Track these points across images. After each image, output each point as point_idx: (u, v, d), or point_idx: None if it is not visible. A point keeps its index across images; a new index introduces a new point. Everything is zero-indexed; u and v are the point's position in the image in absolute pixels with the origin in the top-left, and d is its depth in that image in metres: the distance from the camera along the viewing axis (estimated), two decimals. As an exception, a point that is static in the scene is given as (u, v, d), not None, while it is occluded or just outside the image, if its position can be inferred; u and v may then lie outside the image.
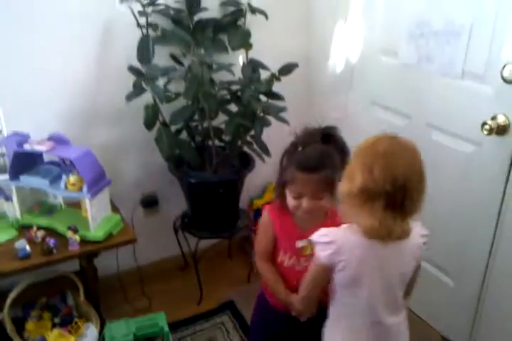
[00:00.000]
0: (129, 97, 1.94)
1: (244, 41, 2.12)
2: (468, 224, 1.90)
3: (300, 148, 1.40)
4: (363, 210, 1.17)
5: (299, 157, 1.38)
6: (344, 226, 1.26)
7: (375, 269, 1.25)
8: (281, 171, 1.43)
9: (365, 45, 2.21)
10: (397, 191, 1.13)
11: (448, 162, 1.92)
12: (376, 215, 1.16)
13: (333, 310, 1.37)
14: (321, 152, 1.37)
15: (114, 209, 2.06)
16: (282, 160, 1.43)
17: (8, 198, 1.94)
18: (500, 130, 1.66)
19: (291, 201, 1.40)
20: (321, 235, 1.25)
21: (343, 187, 1.19)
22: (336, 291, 1.31)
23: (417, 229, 1.30)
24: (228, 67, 1.98)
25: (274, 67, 2.09)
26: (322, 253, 1.24)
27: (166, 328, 1.98)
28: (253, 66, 2.12)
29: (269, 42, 2.29)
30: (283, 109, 2.08)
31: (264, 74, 2.12)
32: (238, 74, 2.11)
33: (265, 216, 1.53)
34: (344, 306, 1.33)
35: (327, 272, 1.27)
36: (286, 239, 1.49)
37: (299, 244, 1.47)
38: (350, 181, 1.17)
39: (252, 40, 2.15)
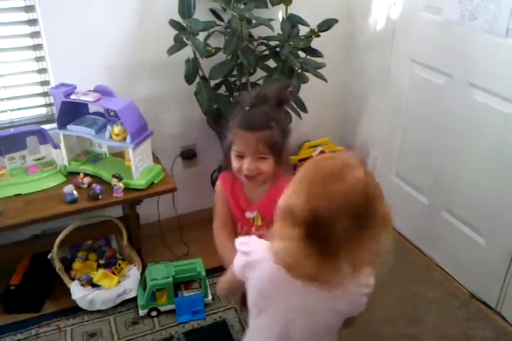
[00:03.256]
0: (170, 51, 1.99)
1: (284, -4, 2.11)
2: (503, 184, 1.90)
3: (246, 108, 1.38)
4: (279, 231, 0.98)
5: (241, 116, 1.37)
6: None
7: (290, 308, 1.09)
8: (227, 132, 1.40)
9: (407, 1, 2.17)
10: (319, 226, 0.92)
11: (487, 121, 1.91)
12: (290, 243, 0.95)
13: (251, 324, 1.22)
14: (264, 112, 1.35)
15: (156, 159, 2.16)
16: (230, 121, 1.40)
17: (56, 146, 2.06)
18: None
19: (234, 163, 1.37)
20: (242, 242, 1.14)
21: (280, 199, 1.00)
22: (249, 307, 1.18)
23: (362, 278, 1.04)
24: (267, 23, 1.99)
25: (314, 22, 2.09)
26: (236, 262, 1.13)
27: (203, 273, 2.10)
28: (292, 21, 2.12)
29: (309, -3, 2.27)
30: (321, 66, 2.09)
31: (303, 30, 2.12)
32: (277, 29, 2.11)
33: (218, 185, 1.51)
34: (258, 327, 1.18)
35: (241, 282, 1.14)
36: (237, 209, 1.49)
37: (248, 215, 1.47)
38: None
39: (292, -6, 2.14)
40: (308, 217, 0.92)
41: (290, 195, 0.97)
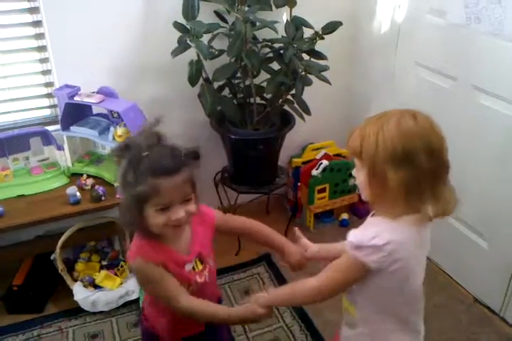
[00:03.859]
0: (174, 53, 1.99)
1: (288, -2, 2.12)
2: (508, 188, 1.89)
3: (145, 154, 1.15)
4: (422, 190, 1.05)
5: (150, 162, 1.14)
6: (381, 220, 1.12)
7: (420, 256, 1.18)
8: (129, 189, 1.15)
9: (412, 4, 2.16)
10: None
11: (492, 125, 1.89)
12: (438, 191, 1.06)
13: (375, 316, 1.21)
14: (171, 150, 1.19)
15: (158, 161, 2.16)
16: (125, 175, 1.15)
17: (59, 147, 2.07)
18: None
19: (157, 219, 1.16)
20: (372, 237, 1.07)
21: (398, 175, 1.03)
22: (380, 294, 1.17)
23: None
24: (272, 25, 1.99)
25: (318, 25, 2.09)
26: (371, 258, 1.07)
27: (205, 275, 2.10)
28: (296, 24, 2.12)
29: (313, 0, 2.27)
30: (325, 68, 2.09)
31: (307, 33, 2.12)
32: (281, 32, 2.11)
33: (142, 267, 1.22)
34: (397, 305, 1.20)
35: (365, 276, 1.12)
36: (176, 271, 1.25)
37: (187, 267, 1.28)
38: (410, 164, 1.03)
39: (297, -3, 2.14)
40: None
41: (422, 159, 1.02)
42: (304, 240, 1.44)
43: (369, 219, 1.18)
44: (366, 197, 1.15)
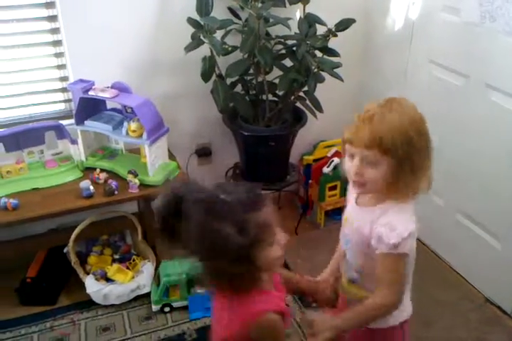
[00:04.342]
0: (188, 49, 2.00)
1: (302, -5, 2.12)
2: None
3: (222, 197, 1.00)
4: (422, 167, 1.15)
5: (239, 202, 1.00)
6: (395, 205, 1.18)
7: None
8: (231, 243, 0.97)
9: (426, 2, 2.15)
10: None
11: (504, 123, 1.88)
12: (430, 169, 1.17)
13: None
14: (232, 184, 1.14)
15: (171, 156, 2.18)
16: (215, 231, 0.97)
17: (73, 141, 2.09)
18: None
19: (274, 252, 1.05)
20: (405, 229, 1.13)
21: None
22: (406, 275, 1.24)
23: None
24: (285, 21, 2.00)
25: (331, 22, 2.09)
26: (409, 246, 1.15)
27: (216, 270, 2.11)
28: (310, 21, 2.12)
29: (327, -3, 2.28)
30: (337, 65, 2.09)
31: (320, 30, 2.12)
32: (294, 28, 2.12)
33: (276, 321, 1.07)
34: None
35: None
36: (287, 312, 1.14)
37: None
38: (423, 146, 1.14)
39: (310, -6, 2.14)
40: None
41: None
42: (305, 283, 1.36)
43: (382, 210, 1.19)
44: (377, 190, 1.18)
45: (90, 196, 1.96)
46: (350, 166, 1.17)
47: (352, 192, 1.29)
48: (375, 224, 1.17)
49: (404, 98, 1.20)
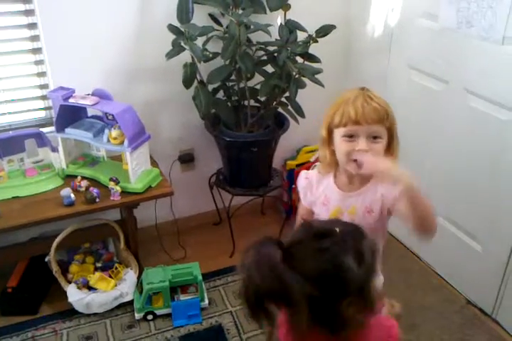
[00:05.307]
0: (169, 55, 2.00)
1: (282, 2, 2.13)
2: (500, 190, 1.90)
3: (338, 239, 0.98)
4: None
5: (354, 241, 0.98)
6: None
7: None
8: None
9: (405, 8, 2.18)
10: None
11: (483, 128, 1.91)
12: None
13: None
14: (341, 222, 1.09)
15: (154, 163, 2.17)
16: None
17: (54, 149, 2.07)
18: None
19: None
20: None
21: None
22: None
23: None
24: (265, 28, 2.01)
25: (312, 28, 2.10)
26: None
27: (200, 277, 2.11)
28: (290, 27, 2.13)
29: (307, 4, 2.29)
30: (318, 71, 2.10)
31: (301, 36, 2.13)
32: (275, 35, 2.13)
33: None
34: None
35: None
36: None
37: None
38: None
39: (290, 0, 2.15)
40: None
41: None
42: None
43: (376, 182, 1.33)
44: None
45: (71, 204, 1.95)
46: (350, 147, 1.27)
47: (332, 183, 1.41)
48: (384, 190, 1.30)
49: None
